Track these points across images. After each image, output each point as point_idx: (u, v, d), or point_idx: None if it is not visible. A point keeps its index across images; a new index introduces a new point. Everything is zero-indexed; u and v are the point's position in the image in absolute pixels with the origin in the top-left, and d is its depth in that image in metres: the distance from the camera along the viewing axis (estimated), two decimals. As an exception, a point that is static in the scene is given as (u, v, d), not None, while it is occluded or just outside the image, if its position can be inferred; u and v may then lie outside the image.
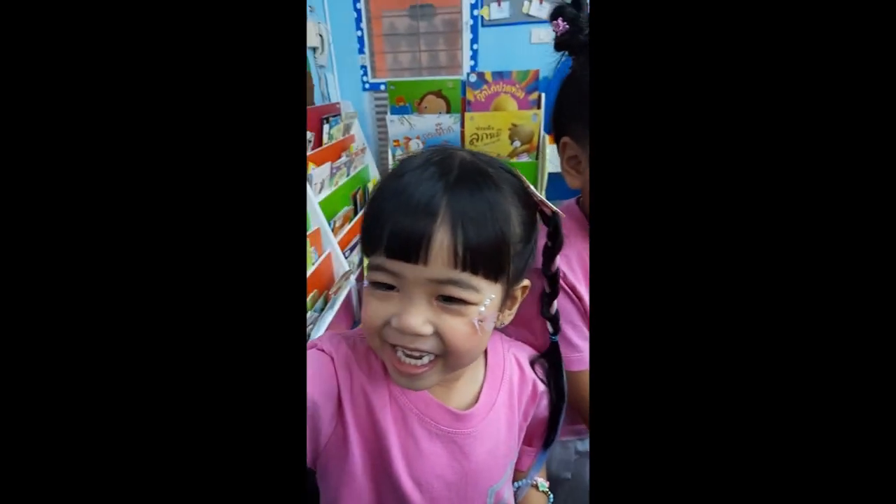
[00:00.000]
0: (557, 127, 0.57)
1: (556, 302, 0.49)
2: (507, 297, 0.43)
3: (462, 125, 2.02)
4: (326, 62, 2.29)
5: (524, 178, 0.44)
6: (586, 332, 0.54)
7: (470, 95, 1.98)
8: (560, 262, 0.48)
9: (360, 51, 2.37)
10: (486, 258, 0.38)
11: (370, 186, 2.27)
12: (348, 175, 2.05)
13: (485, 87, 1.95)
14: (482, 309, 0.39)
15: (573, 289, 0.53)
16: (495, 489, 0.48)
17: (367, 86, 2.44)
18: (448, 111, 2.05)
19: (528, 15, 2.31)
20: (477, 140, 1.99)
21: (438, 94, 2.05)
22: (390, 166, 2.19)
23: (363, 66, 2.40)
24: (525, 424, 0.52)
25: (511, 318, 0.46)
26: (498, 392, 0.49)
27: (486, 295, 0.39)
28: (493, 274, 0.39)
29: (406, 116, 2.04)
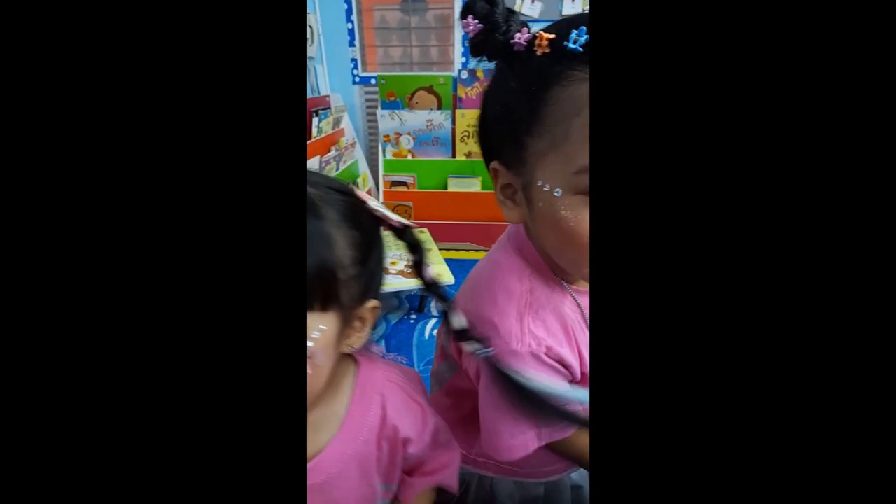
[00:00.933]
0: (485, 149, 0.46)
1: (467, 344, 0.43)
2: (349, 322, 0.41)
3: (453, 122, 2.01)
4: (316, 54, 2.26)
5: (363, 194, 0.42)
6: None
7: (461, 92, 1.98)
8: (537, 329, 0.44)
9: (351, 43, 2.34)
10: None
11: (360, 182, 2.26)
12: (338, 170, 2.03)
13: (476, 84, 1.95)
14: (308, 344, 0.36)
15: (560, 360, 0.45)
16: None
17: (357, 79, 2.41)
18: (439, 107, 2.04)
19: (519, 13, 2.30)
20: (468, 137, 1.99)
21: (430, 90, 2.04)
22: (380, 162, 2.18)
23: (353, 60, 2.38)
24: (393, 470, 0.49)
25: (363, 340, 0.43)
26: (350, 443, 0.45)
27: (312, 327, 0.37)
28: (317, 305, 0.37)
29: (397, 112, 2.03)
